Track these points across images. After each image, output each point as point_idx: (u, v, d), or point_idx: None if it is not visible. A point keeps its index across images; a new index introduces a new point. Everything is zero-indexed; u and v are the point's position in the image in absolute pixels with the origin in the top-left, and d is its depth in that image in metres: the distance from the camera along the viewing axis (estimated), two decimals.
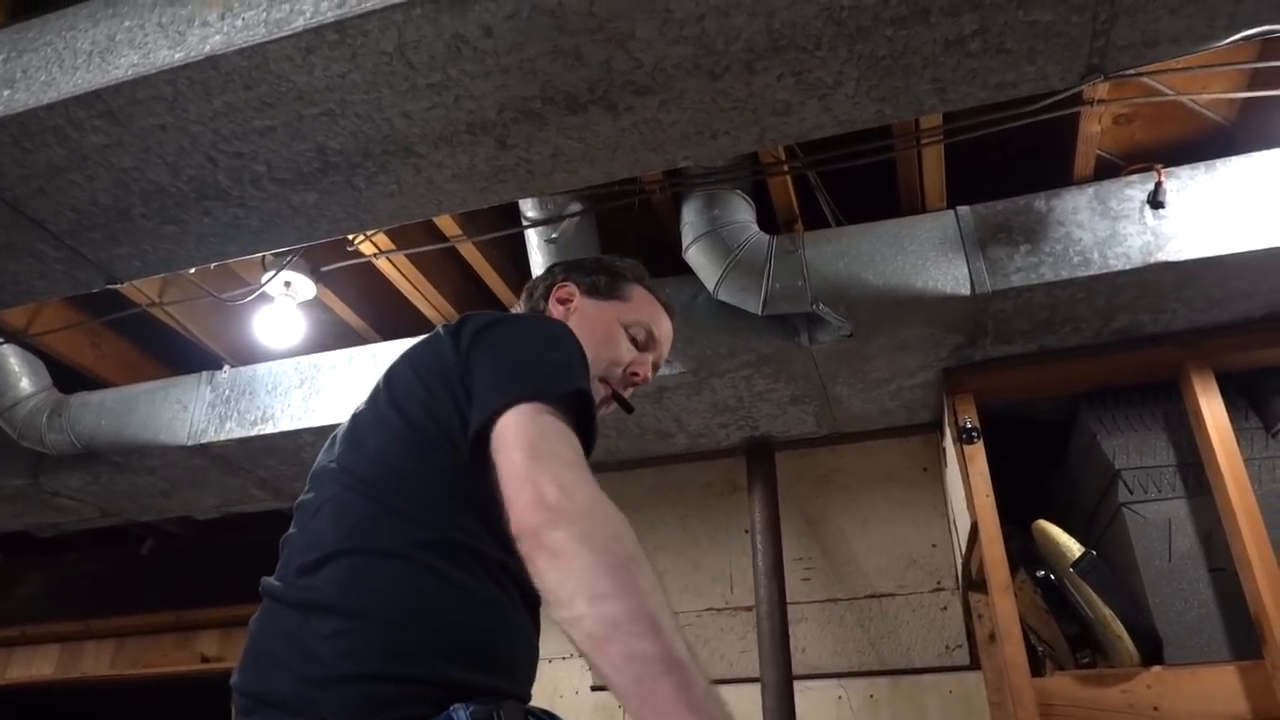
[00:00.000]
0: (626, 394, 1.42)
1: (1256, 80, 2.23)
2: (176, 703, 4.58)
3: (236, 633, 4.12)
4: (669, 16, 1.40)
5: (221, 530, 4.19)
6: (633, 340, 1.43)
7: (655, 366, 1.50)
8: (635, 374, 1.42)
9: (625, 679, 0.81)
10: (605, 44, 1.45)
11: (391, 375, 1.23)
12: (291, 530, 1.12)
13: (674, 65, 1.50)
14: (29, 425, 3.05)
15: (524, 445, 0.99)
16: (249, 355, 3.13)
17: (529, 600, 1.11)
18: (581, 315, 1.43)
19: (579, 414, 1.08)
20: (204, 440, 2.94)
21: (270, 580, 1.08)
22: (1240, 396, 2.38)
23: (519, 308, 1.52)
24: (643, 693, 0.80)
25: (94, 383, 3.25)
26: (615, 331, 1.42)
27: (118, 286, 2.14)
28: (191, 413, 2.99)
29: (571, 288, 1.47)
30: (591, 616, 0.84)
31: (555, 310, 1.44)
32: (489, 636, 1.03)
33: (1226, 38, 1.48)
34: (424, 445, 1.09)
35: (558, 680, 3.47)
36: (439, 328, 1.24)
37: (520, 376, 1.07)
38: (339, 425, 1.25)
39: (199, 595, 4.20)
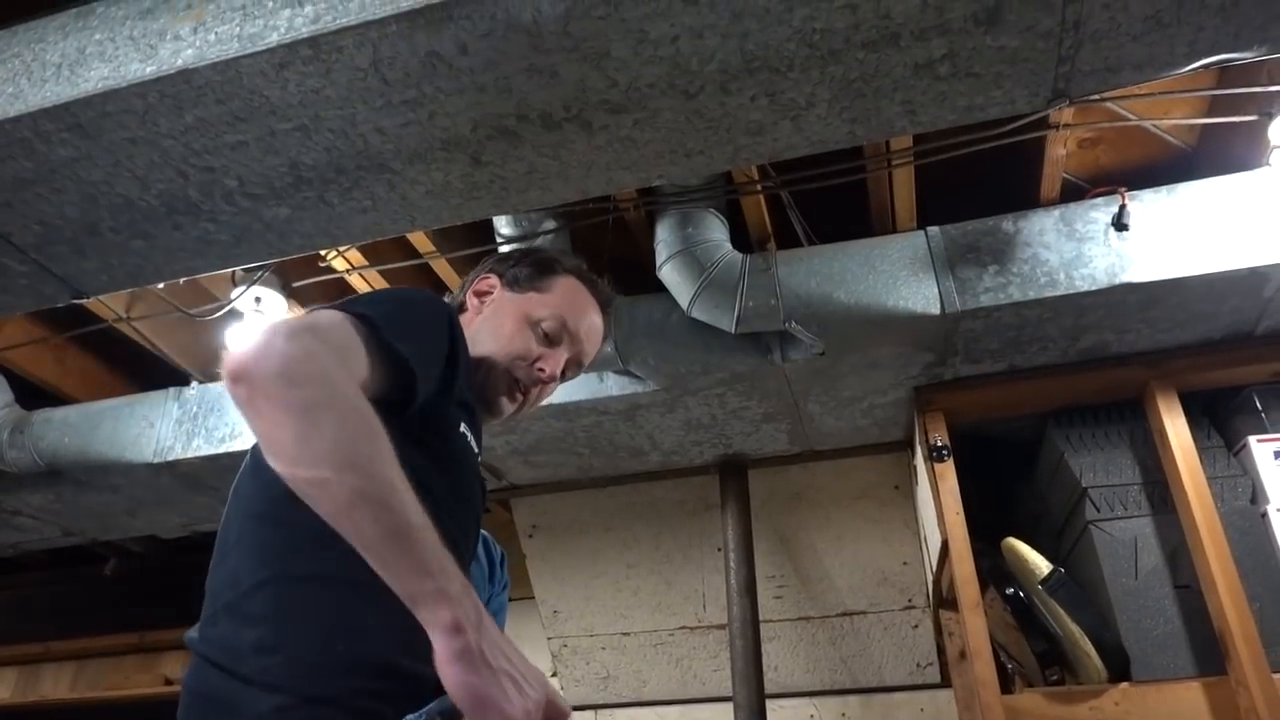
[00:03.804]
0: (535, 390, 1.36)
1: (1216, 106, 2.29)
2: None
3: None
4: (644, 37, 1.42)
5: (187, 550, 4.12)
6: (545, 335, 1.37)
7: (576, 363, 1.43)
8: (541, 369, 1.35)
9: (372, 541, 0.86)
10: (580, 63, 1.46)
11: None
12: (209, 574, 1.09)
13: (649, 85, 1.51)
14: None
15: (304, 316, 0.96)
16: (218, 372, 3.10)
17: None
18: (496, 308, 1.39)
19: (378, 348, 1.01)
20: (170, 458, 2.90)
21: (192, 634, 1.04)
22: (1203, 415, 2.42)
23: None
24: (395, 546, 0.86)
25: (58, 399, 3.19)
26: (522, 325, 1.36)
27: (84, 301, 2.11)
28: (158, 430, 2.95)
29: (493, 280, 1.43)
30: (339, 483, 0.85)
31: (471, 302, 1.41)
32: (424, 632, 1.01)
33: (1187, 65, 1.52)
34: None
35: None
36: None
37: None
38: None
39: (163, 616, 4.12)
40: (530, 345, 1.35)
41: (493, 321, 1.36)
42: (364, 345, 0.99)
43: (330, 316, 1.00)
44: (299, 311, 2.82)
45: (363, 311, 1.02)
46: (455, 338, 1.16)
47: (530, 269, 1.43)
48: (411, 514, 0.87)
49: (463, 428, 1.19)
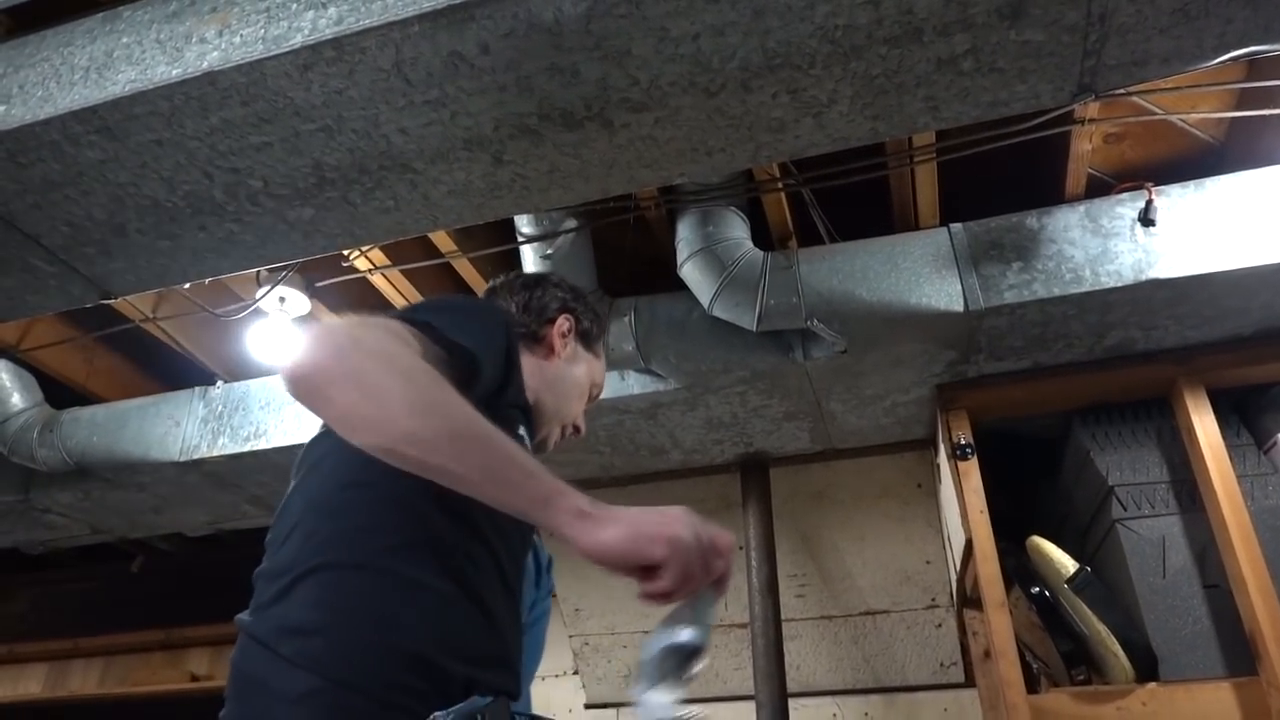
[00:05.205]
0: (558, 443, 1.45)
1: (1245, 100, 2.25)
2: None
3: (227, 651, 4.03)
4: (665, 35, 1.41)
5: (212, 547, 4.17)
6: (589, 398, 1.48)
7: None
8: (578, 429, 1.45)
9: (480, 475, 0.89)
10: (601, 61, 1.46)
11: None
12: (263, 563, 1.11)
13: (670, 83, 1.51)
14: (20, 441, 3.03)
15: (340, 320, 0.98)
16: (243, 371, 3.13)
17: (509, 589, 1.12)
18: (572, 361, 1.44)
19: (439, 346, 1.04)
20: (196, 456, 2.93)
21: (243, 616, 1.07)
22: (1232, 413, 2.39)
23: (502, 298, 1.47)
24: (499, 473, 0.89)
25: (86, 398, 3.24)
26: (585, 387, 1.46)
27: (111, 302, 2.14)
28: (184, 428, 2.98)
29: (572, 323, 1.45)
30: (426, 430, 0.89)
31: (555, 341, 1.42)
32: (464, 632, 1.03)
33: (1215, 58, 1.50)
34: None
35: (551, 698, 3.45)
36: None
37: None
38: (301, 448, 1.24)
39: (189, 613, 4.17)
40: (581, 409, 1.45)
41: (568, 375, 1.42)
42: (417, 340, 1.01)
43: (373, 317, 1.02)
44: (323, 312, 2.84)
45: (414, 317, 1.05)
46: (511, 339, 1.19)
47: (596, 331, 1.50)
48: (499, 436, 0.90)
49: (521, 430, 1.22)
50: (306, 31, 1.43)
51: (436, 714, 0.93)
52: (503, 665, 1.08)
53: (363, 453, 1.00)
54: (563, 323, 1.43)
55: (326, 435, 1.17)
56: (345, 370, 0.90)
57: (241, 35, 1.47)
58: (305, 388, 0.91)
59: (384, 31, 1.40)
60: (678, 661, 0.95)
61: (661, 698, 0.93)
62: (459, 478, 0.90)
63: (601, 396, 2.60)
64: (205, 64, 1.48)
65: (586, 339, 1.47)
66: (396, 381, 0.90)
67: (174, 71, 1.50)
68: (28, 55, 1.65)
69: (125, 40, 1.56)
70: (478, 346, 1.08)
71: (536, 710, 1.27)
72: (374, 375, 0.90)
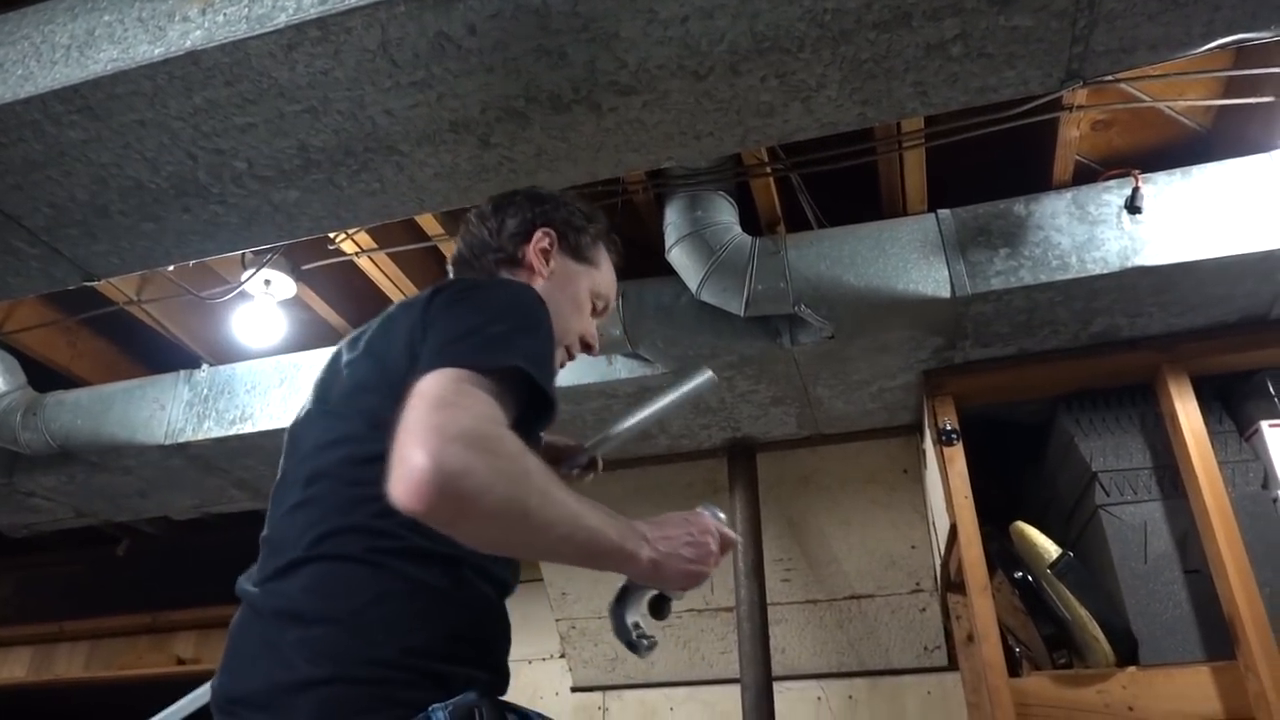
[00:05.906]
0: (564, 362, 1.39)
1: (1232, 87, 2.26)
2: (152, 705, 4.53)
3: (213, 634, 4.09)
4: (653, 17, 1.41)
5: (199, 531, 4.15)
6: (595, 310, 1.40)
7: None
8: (590, 345, 1.39)
9: (578, 557, 1.02)
10: (589, 44, 1.45)
11: (355, 367, 1.16)
12: (265, 530, 1.11)
13: (658, 66, 1.50)
14: (2, 424, 3.01)
15: (430, 396, 0.91)
16: (228, 354, 3.11)
17: (503, 589, 1.12)
18: (559, 276, 1.35)
19: (514, 390, 0.99)
20: (181, 440, 2.91)
21: (247, 585, 1.07)
22: (1215, 400, 2.41)
23: (475, 229, 1.41)
24: (593, 555, 1.01)
25: (70, 381, 3.21)
26: (585, 301, 1.37)
27: (95, 284, 2.12)
28: (169, 412, 2.96)
29: (554, 238, 1.36)
30: (541, 545, 0.99)
31: (535, 261, 1.33)
32: (463, 632, 1.03)
33: (1203, 45, 1.50)
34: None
35: (537, 681, 3.46)
36: (397, 304, 1.18)
37: (451, 350, 1.00)
38: (296, 420, 1.21)
39: (175, 597, 4.16)
40: (588, 324, 1.39)
41: (561, 295, 1.32)
42: (504, 400, 0.97)
43: (473, 394, 0.94)
44: (308, 294, 2.82)
45: (503, 363, 0.99)
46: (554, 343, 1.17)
47: (588, 239, 1.40)
48: (590, 519, 0.98)
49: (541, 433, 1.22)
50: (291, 11, 1.41)
51: (435, 706, 0.93)
52: (499, 663, 1.09)
53: (379, 448, 0.98)
54: (540, 238, 1.34)
55: (336, 417, 1.14)
56: (472, 509, 0.87)
57: (225, 14, 1.45)
58: (435, 518, 0.88)
59: (370, 11, 1.38)
60: (654, 604, 1.18)
61: (631, 619, 1.16)
62: (552, 560, 1.05)
63: (589, 382, 2.62)
64: (188, 43, 1.46)
65: (576, 251, 1.38)
66: (520, 516, 0.91)
67: (156, 50, 1.48)
68: (7, 33, 1.63)
69: (107, 18, 1.54)
70: (551, 387, 1.06)
71: (521, 695, 1.28)
72: (498, 519, 0.90)
